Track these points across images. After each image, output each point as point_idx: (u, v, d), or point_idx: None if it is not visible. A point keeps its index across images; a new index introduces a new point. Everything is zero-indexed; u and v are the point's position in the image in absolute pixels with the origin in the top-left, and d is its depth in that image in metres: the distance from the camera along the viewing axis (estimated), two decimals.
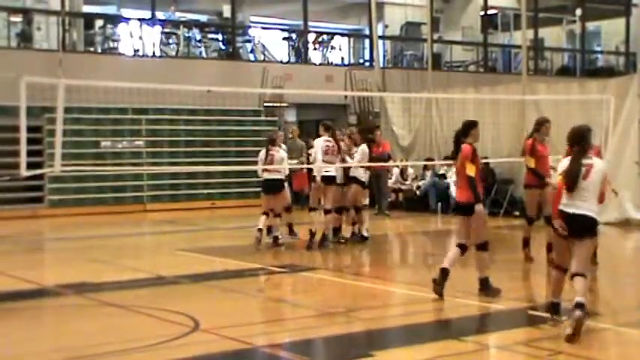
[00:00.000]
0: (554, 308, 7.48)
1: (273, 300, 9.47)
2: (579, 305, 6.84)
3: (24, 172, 9.71)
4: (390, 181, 19.32)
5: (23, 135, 9.65)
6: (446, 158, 18.24)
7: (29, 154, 10.44)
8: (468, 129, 8.82)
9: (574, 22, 29.60)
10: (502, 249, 14.03)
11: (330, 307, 7.86)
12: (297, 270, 11.07)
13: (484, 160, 17.83)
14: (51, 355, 6.62)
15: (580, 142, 7.31)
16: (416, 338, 7.41)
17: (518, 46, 23.08)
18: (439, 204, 18.81)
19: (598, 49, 31.76)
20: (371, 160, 17.69)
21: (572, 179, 7.13)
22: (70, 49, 20.43)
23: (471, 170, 8.57)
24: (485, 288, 8.80)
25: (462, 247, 8.81)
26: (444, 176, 19.09)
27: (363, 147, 13.42)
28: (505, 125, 17.97)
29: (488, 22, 28.08)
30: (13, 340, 7.14)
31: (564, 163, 7.32)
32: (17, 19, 20.86)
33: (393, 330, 7.75)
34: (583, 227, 7.13)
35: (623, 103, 15.53)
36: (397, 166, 19.50)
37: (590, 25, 30.32)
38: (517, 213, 17.56)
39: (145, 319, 7.96)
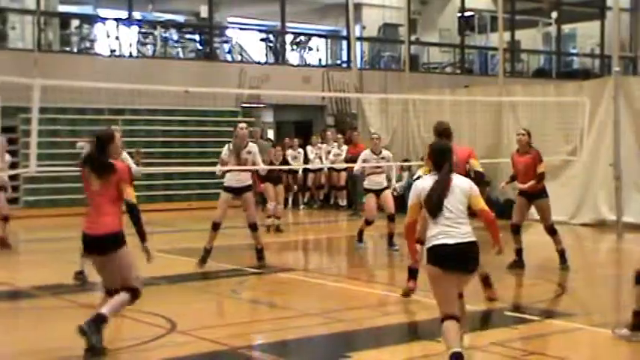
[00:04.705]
0: None
1: (250, 301, 9.47)
2: None
3: None
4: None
5: None
6: (422, 159, 18.31)
7: None
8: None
9: (550, 24, 29.80)
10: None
11: (306, 309, 7.86)
12: (273, 271, 11.07)
13: None
14: (24, 358, 6.57)
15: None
16: (391, 339, 7.46)
17: (495, 48, 23.19)
18: None
19: (573, 51, 32.02)
20: (347, 160, 17.84)
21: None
22: (45, 49, 20.29)
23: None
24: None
25: None
26: (420, 178, 19.10)
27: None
28: (482, 127, 18.06)
29: (465, 24, 28.19)
30: None
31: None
32: None
33: (369, 331, 7.77)
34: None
35: (598, 105, 15.66)
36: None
37: (566, 28, 30.54)
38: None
39: (121, 321, 7.90)
